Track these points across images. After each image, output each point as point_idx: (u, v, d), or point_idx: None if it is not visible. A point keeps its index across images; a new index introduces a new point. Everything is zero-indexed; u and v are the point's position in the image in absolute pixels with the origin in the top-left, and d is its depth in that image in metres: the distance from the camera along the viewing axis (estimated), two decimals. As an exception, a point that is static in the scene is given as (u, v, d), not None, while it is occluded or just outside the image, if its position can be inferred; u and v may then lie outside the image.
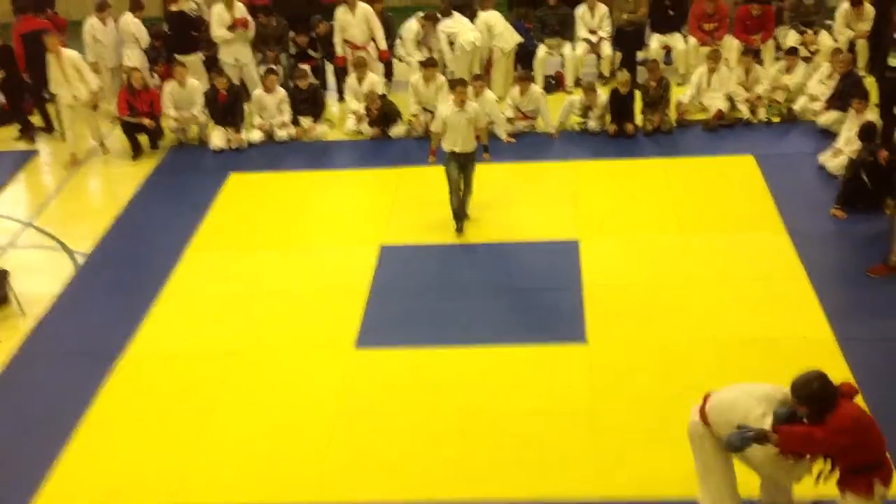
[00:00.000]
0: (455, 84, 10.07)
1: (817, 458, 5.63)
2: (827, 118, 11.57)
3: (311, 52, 13.64)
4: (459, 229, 10.05)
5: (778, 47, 13.41)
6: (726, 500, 6.03)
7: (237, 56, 13.24)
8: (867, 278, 8.92)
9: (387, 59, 13.74)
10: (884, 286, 8.79)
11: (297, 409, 7.76)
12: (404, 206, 10.91)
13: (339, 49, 13.24)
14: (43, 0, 14.02)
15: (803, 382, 5.44)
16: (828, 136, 11.38)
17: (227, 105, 12.44)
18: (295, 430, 7.53)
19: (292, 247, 10.19)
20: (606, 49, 13.74)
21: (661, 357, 8.03)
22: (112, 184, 12.08)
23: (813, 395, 5.40)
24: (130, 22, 13.31)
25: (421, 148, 12.21)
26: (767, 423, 5.49)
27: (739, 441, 5.55)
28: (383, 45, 13.32)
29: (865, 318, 8.35)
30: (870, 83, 11.69)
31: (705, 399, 5.93)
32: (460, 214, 10.05)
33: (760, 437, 5.50)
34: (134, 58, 13.22)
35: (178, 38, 13.29)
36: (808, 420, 5.47)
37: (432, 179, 11.19)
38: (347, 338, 8.59)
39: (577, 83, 13.51)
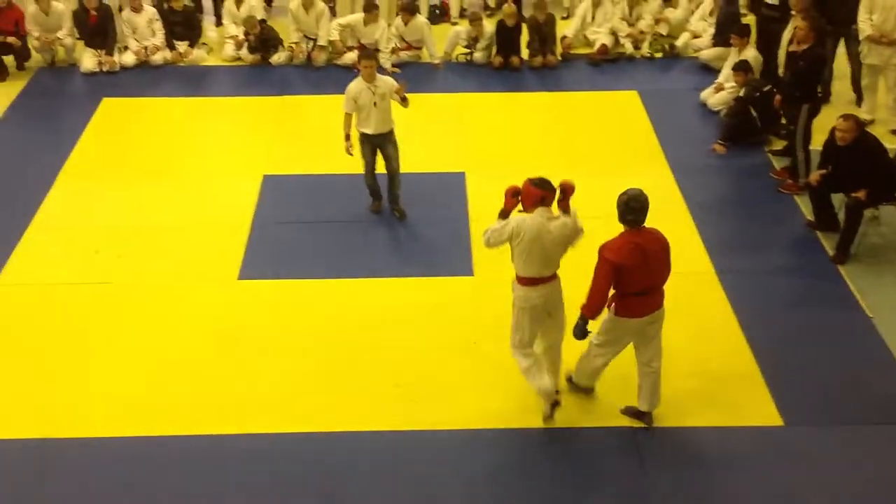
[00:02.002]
0: (363, 56, 8.63)
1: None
2: (708, 53, 11.79)
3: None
4: (375, 209, 9.12)
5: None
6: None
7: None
8: (746, 212, 9.20)
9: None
10: (760, 220, 9.06)
11: (177, 342, 7.53)
12: (287, 135, 10.64)
13: None
14: None
15: (624, 192, 6.20)
16: (709, 72, 11.61)
17: (98, 25, 11.81)
18: (175, 364, 7.31)
19: (170, 176, 9.82)
20: (493, -21, 13.61)
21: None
22: (-26, 107, 11.36)
23: (621, 203, 6.16)
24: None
25: (302, 76, 11.97)
26: None
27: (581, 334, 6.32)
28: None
29: (742, 250, 8.59)
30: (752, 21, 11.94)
31: None
32: (377, 190, 9.09)
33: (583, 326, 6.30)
34: None
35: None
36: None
37: (315, 109, 10.97)
38: (230, 269, 8.36)
39: (463, 14, 13.38)
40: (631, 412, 6.67)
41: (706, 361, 7.28)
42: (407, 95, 8.70)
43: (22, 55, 11.87)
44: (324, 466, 6.41)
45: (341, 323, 7.76)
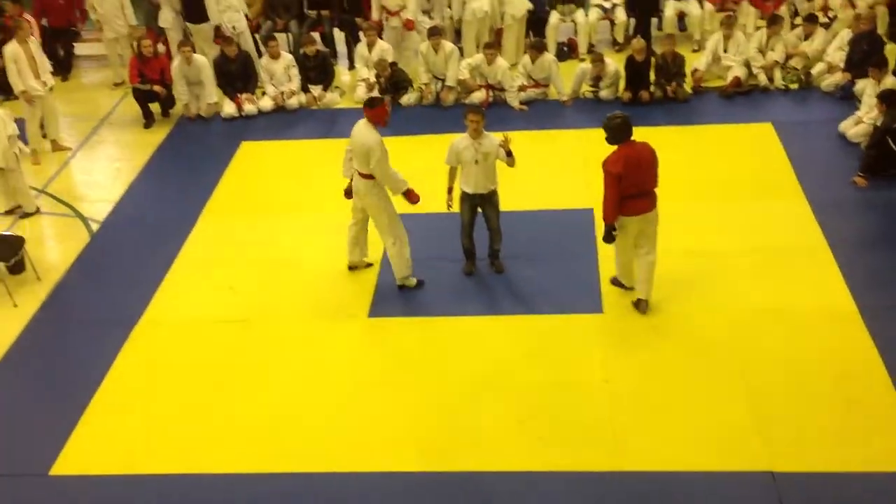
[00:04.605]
0: (469, 110, 8.37)
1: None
2: (860, 87, 11.30)
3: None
4: (468, 271, 8.87)
5: (796, 12, 13.20)
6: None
7: (233, 24, 13.01)
8: (889, 246, 8.81)
9: (412, 28, 13.39)
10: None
11: (310, 378, 7.71)
12: (415, 175, 10.65)
13: (377, 14, 13.08)
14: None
15: (611, 116, 7.58)
16: (847, 102, 11.23)
17: (239, 72, 12.33)
18: (308, 400, 7.49)
19: (305, 215, 10.12)
20: (620, 15, 13.58)
21: (678, 327, 7.94)
22: (124, 151, 11.95)
23: (610, 126, 7.50)
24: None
25: (431, 116, 12.15)
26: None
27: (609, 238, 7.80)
28: (412, 13, 13.10)
29: (887, 287, 8.23)
30: (889, 50, 11.51)
31: None
32: (472, 252, 8.86)
33: (608, 231, 7.75)
34: (167, 20, 13.17)
35: (190, 6, 13.05)
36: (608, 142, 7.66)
37: (444, 148, 11.05)
38: (361, 307, 8.52)
39: (591, 50, 13.37)
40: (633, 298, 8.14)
41: (850, 403, 6.99)
42: (513, 150, 8.31)
43: (167, 103, 12.48)
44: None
45: (469, 360, 7.79)
